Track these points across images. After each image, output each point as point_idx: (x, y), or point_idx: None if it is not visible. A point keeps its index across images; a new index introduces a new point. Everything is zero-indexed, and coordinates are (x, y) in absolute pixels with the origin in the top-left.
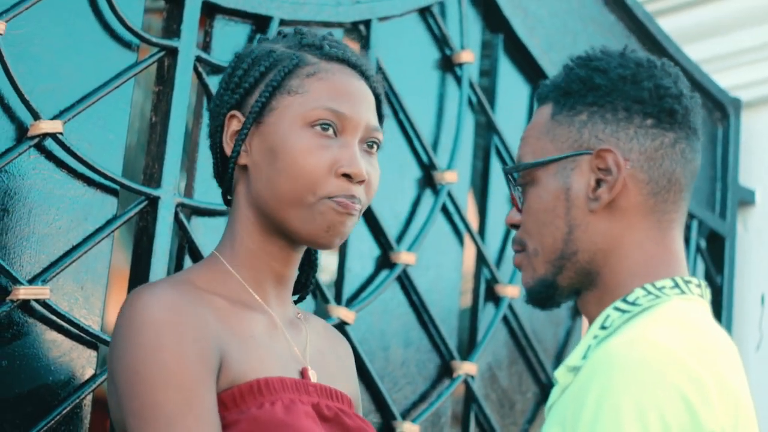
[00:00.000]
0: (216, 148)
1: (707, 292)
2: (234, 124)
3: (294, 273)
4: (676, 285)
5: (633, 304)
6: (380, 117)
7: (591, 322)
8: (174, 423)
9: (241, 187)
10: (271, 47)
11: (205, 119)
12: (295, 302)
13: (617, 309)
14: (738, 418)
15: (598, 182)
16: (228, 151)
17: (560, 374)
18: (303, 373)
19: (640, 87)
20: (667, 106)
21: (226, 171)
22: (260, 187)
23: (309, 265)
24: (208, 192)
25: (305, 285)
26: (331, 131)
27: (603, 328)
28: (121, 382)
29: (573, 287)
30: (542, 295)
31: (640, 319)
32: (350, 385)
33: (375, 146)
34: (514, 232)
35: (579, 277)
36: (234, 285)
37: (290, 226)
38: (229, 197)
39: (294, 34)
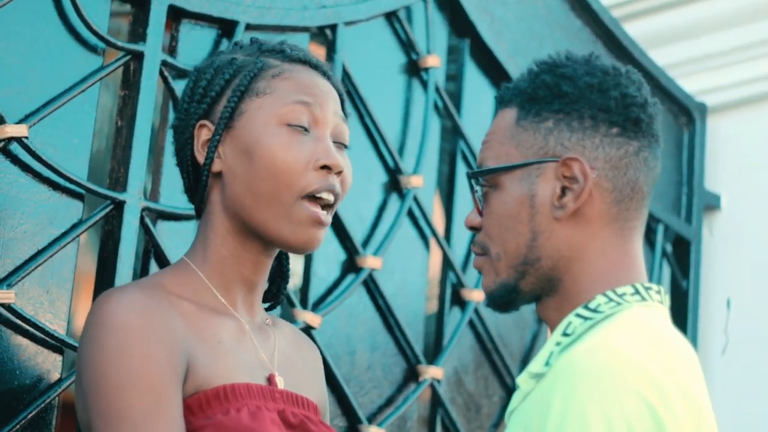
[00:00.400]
0: (186, 161)
1: (666, 298)
2: (204, 133)
3: (264, 280)
4: (637, 292)
5: (594, 311)
6: (345, 116)
7: (551, 327)
8: (140, 426)
9: (215, 195)
10: (231, 56)
11: (172, 122)
12: (267, 310)
13: (579, 316)
14: (700, 426)
15: (563, 190)
16: (201, 159)
17: (522, 380)
18: (270, 380)
19: (607, 96)
20: (632, 115)
21: (198, 181)
22: (236, 190)
23: (280, 275)
24: (174, 196)
25: (276, 295)
26: (303, 127)
27: (565, 335)
28: (88, 384)
29: (534, 292)
30: (503, 299)
31: (602, 327)
32: (318, 392)
33: (343, 147)
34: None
35: (541, 283)
36: (203, 290)
37: (267, 227)
38: (200, 207)
39: (251, 43)
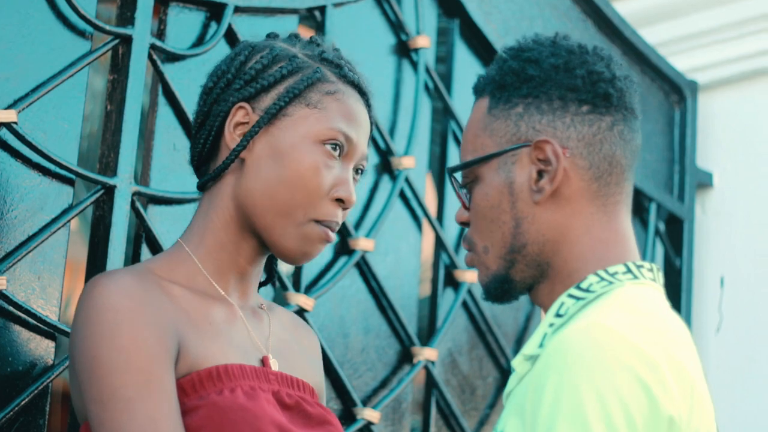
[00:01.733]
0: (209, 129)
1: (660, 276)
2: (240, 115)
3: (259, 270)
4: (629, 270)
5: (587, 290)
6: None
7: (545, 310)
8: (133, 406)
9: (230, 179)
10: (292, 51)
11: (161, 107)
12: (261, 285)
13: (571, 296)
14: (693, 404)
15: (540, 173)
16: (229, 140)
17: (517, 363)
18: (264, 362)
19: (573, 75)
20: (601, 91)
21: (212, 151)
22: (253, 186)
23: (268, 273)
24: (165, 180)
25: (269, 277)
26: (338, 153)
27: (558, 315)
28: (80, 368)
29: (526, 281)
30: (498, 291)
31: (594, 306)
32: (314, 376)
33: (360, 172)
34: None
35: (531, 269)
36: (195, 275)
37: (270, 234)
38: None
39: (310, 43)
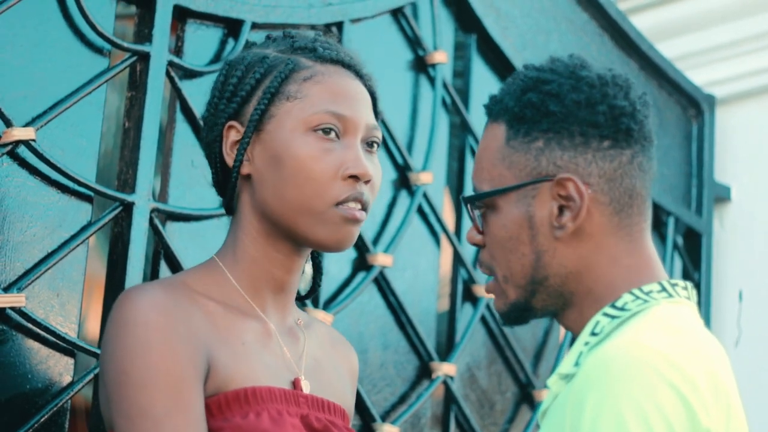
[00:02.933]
0: (214, 158)
1: (693, 294)
2: (233, 134)
3: (296, 280)
4: (664, 289)
5: (622, 309)
6: (376, 115)
7: (576, 334)
8: (161, 423)
9: (245, 196)
10: (263, 53)
11: (179, 123)
12: (302, 300)
13: (606, 315)
14: (729, 420)
15: (561, 209)
16: (229, 161)
17: (552, 382)
18: (295, 384)
19: (595, 111)
20: (623, 127)
21: (227, 181)
22: (266, 195)
23: (315, 269)
24: (183, 197)
25: (311, 290)
26: (333, 134)
27: (593, 334)
28: (110, 381)
29: (548, 308)
30: (517, 318)
31: (631, 324)
32: (346, 395)
33: (375, 145)
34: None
35: (553, 299)
36: (230, 291)
37: (300, 233)
38: (230, 204)
39: (284, 38)
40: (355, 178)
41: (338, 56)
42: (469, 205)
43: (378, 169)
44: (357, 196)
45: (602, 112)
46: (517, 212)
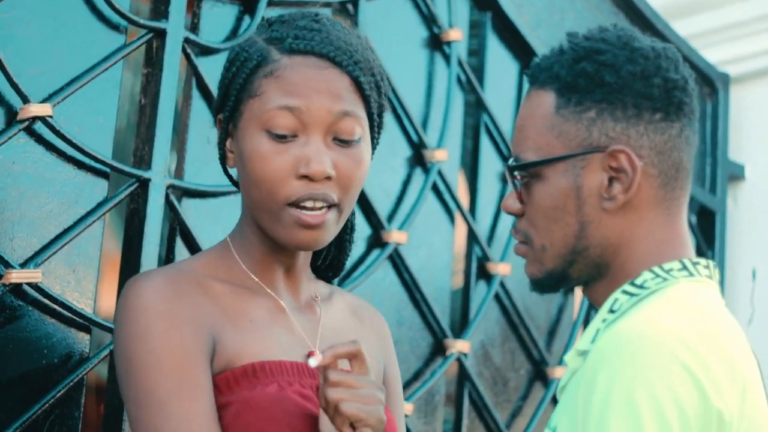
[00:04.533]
0: (221, 150)
1: (716, 273)
2: (221, 127)
3: (304, 259)
4: (684, 267)
5: (641, 287)
6: (368, 101)
7: (598, 307)
8: (167, 406)
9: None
10: (246, 43)
11: (195, 100)
12: (329, 280)
13: (625, 292)
14: (744, 402)
15: (611, 180)
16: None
17: (570, 358)
18: (309, 357)
19: (650, 83)
20: (676, 100)
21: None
22: (242, 190)
23: (338, 246)
24: (199, 173)
25: (337, 266)
26: (285, 134)
27: (611, 311)
28: (119, 369)
29: (582, 278)
30: (550, 286)
31: (648, 302)
32: (373, 359)
33: (350, 140)
34: (510, 217)
35: (589, 269)
36: (239, 272)
37: (265, 228)
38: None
39: (267, 26)
40: (307, 178)
41: (308, 46)
42: (513, 174)
43: (354, 162)
44: (311, 196)
45: (657, 85)
46: (565, 182)
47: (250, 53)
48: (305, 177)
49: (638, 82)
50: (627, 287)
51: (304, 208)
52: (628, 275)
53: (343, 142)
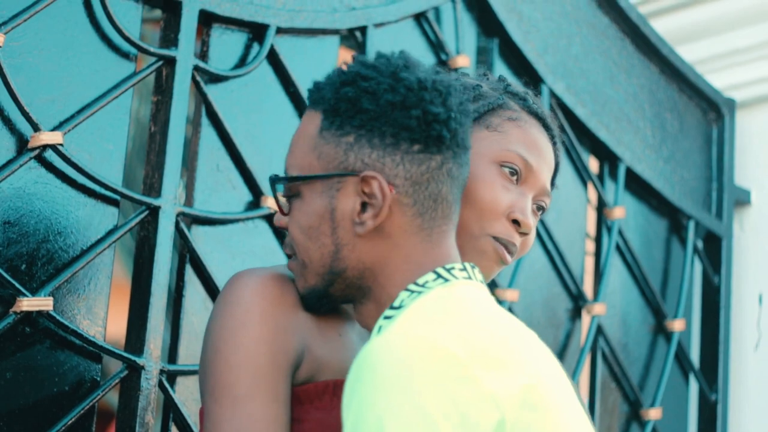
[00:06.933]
0: None
1: (475, 273)
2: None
3: None
4: (439, 276)
5: (399, 308)
6: (552, 184)
7: (369, 331)
8: (240, 405)
9: None
10: (477, 82)
11: (204, 127)
12: None
13: (386, 318)
14: (528, 392)
15: (363, 205)
16: None
17: None
18: None
19: (409, 114)
20: (434, 133)
21: None
22: None
23: None
24: (208, 200)
25: None
26: (515, 178)
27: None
28: (203, 359)
29: (347, 296)
30: (316, 303)
31: (399, 317)
32: None
33: (542, 210)
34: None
35: (351, 289)
36: None
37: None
38: None
39: (499, 80)
40: (516, 224)
41: (542, 114)
42: (275, 187)
43: (534, 231)
44: (511, 241)
45: (415, 117)
46: (321, 203)
47: (485, 92)
48: (514, 222)
49: (397, 111)
50: (387, 312)
51: (505, 246)
52: (390, 297)
53: (536, 212)
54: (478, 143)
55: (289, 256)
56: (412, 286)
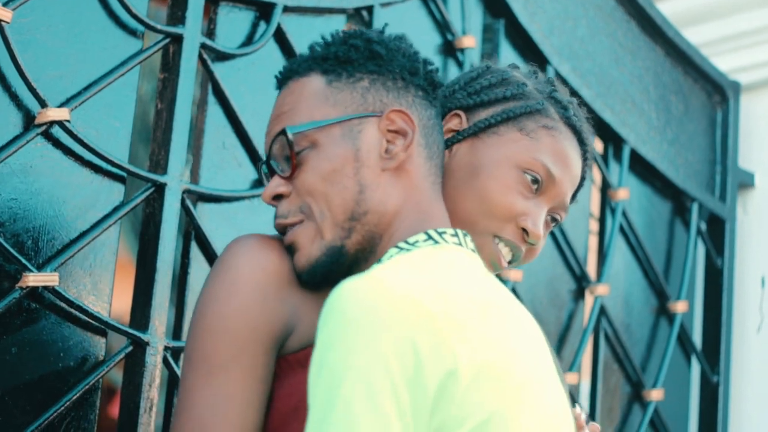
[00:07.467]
0: None
1: (467, 241)
2: (454, 122)
3: None
4: (430, 237)
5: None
6: (573, 197)
7: None
8: (215, 374)
9: None
10: (523, 80)
11: (211, 105)
12: None
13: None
14: (490, 366)
15: (388, 143)
16: None
17: None
18: None
19: (414, 59)
20: (435, 79)
21: None
22: (445, 189)
23: None
24: (214, 178)
25: None
26: (535, 187)
27: None
28: (191, 323)
29: (357, 256)
30: (326, 268)
31: (379, 266)
32: None
33: (555, 222)
34: None
35: (364, 243)
36: None
37: None
38: None
39: (547, 82)
40: (525, 233)
41: (580, 129)
42: (284, 146)
43: (542, 243)
44: (517, 247)
45: (420, 61)
46: (343, 145)
47: (529, 93)
48: (523, 230)
49: (404, 57)
50: (375, 265)
51: (501, 251)
52: (383, 253)
53: (549, 224)
54: (507, 144)
55: (283, 232)
56: (402, 244)
